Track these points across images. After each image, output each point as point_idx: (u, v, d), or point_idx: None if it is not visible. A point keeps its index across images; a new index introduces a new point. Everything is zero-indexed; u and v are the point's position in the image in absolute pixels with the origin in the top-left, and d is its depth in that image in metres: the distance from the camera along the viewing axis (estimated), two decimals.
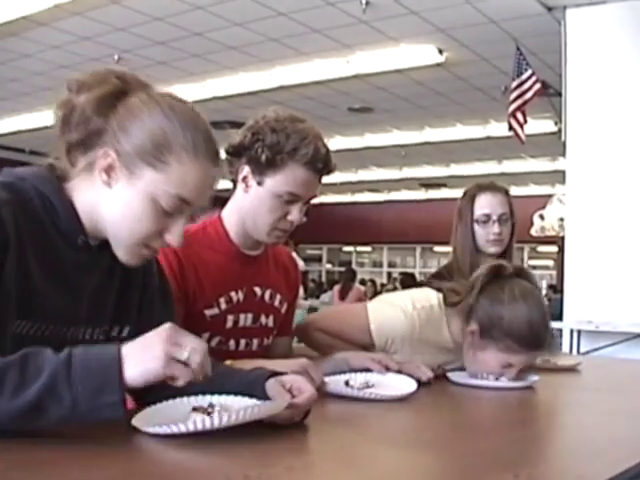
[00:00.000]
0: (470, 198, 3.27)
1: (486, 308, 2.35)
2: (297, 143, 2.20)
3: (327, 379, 2.08)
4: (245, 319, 2.36)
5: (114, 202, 1.52)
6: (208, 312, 2.27)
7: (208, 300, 2.27)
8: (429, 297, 2.51)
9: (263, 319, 2.43)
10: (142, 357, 1.31)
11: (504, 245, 3.24)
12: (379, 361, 2.30)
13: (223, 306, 2.30)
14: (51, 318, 1.50)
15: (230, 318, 2.32)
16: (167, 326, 1.36)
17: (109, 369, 1.28)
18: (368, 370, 2.27)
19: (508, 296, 2.34)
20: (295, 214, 2.28)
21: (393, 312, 2.44)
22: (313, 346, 2.56)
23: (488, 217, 3.21)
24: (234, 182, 2.34)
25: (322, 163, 2.25)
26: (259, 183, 2.26)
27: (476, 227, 3.22)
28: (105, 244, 1.58)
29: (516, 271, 2.43)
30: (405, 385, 2.16)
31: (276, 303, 2.47)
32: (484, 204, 3.24)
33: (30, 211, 1.47)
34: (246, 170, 2.28)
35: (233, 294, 2.33)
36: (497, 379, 2.36)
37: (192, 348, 1.34)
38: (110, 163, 1.49)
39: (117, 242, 1.55)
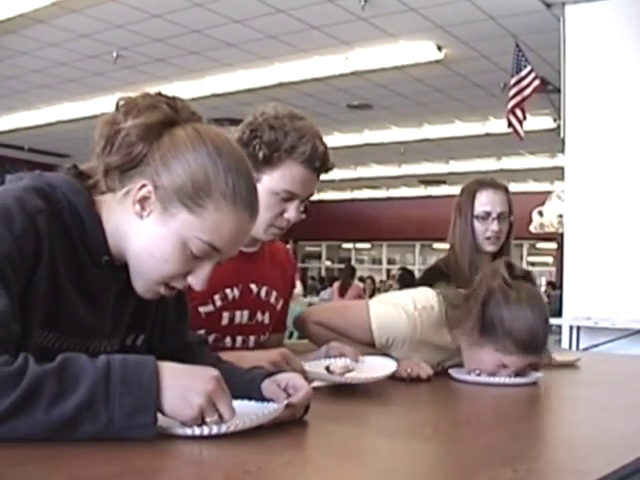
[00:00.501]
0: (471, 194, 3.27)
1: (490, 307, 2.35)
2: (295, 141, 2.20)
3: (308, 366, 2.06)
4: (241, 316, 2.36)
5: (143, 236, 1.48)
6: (202, 309, 2.27)
7: (202, 297, 2.26)
8: (429, 298, 2.49)
9: (259, 316, 2.43)
10: (180, 397, 1.31)
11: (501, 243, 3.25)
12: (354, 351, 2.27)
13: (218, 303, 2.30)
14: (77, 332, 1.50)
15: (226, 315, 2.32)
16: (214, 377, 1.35)
17: (147, 390, 1.27)
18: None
19: (514, 298, 2.33)
20: (292, 212, 2.28)
21: (395, 312, 2.42)
22: (311, 339, 2.56)
23: (488, 214, 3.21)
24: None
25: (320, 161, 2.24)
26: (256, 180, 2.25)
27: (475, 223, 3.22)
28: (126, 264, 1.55)
29: (524, 274, 2.43)
30: (385, 366, 2.17)
31: (272, 300, 2.47)
32: (485, 201, 3.24)
33: (61, 221, 1.45)
34: None
35: (228, 291, 2.33)
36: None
37: (218, 419, 1.35)
38: (145, 195, 1.46)
39: (138, 276, 1.52)
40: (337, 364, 2.14)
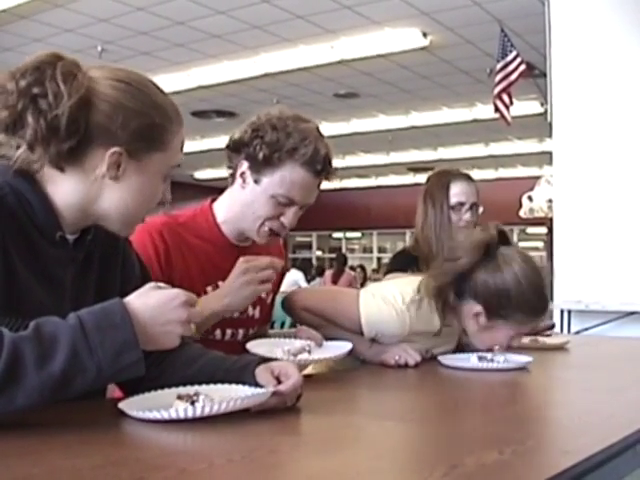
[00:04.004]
0: (444, 185, 3.35)
1: (488, 287, 2.34)
2: (297, 142, 2.18)
3: (260, 348, 2.07)
4: None
5: (123, 193, 1.54)
6: None
7: (195, 289, 2.24)
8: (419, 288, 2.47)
9: (250, 310, 2.41)
10: (161, 333, 1.37)
11: None
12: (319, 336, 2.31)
13: None
14: (38, 314, 1.49)
15: None
16: (182, 302, 1.39)
17: (123, 329, 1.29)
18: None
19: (506, 271, 2.33)
20: (289, 217, 2.26)
21: (386, 310, 2.39)
22: (300, 323, 2.56)
23: (462, 204, 3.31)
24: (232, 175, 2.32)
25: (321, 165, 2.22)
26: (256, 181, 2.24)
27: (450, 213, 3.29)
28: (80, 239, 1.59)
29: (500, 236, 2.42)
30: (339, 348, 2.23)
31: (262, 294, 2.46)
32: (459, 191, 3.32)
33: (5, 207, 1.46)
34: (245, 166, 2.26)
35: (221, 283, 2.31)
36: (492, 359, 2.35)
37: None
38: (116, 160, 1.50)
39: (124, 224, 1.61)
40: (295, 345, 2.17)
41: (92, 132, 1.48)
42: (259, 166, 2.21)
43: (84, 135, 1.48)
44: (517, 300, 2.30)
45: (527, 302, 2.31)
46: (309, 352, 2.15)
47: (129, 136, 1.50)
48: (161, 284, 1.43)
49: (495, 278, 2.34)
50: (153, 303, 1.36)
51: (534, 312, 2.34)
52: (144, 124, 1.51)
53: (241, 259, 2.19)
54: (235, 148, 2.27)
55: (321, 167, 2.22)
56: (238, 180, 2.29)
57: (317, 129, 2.27)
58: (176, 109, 1.60)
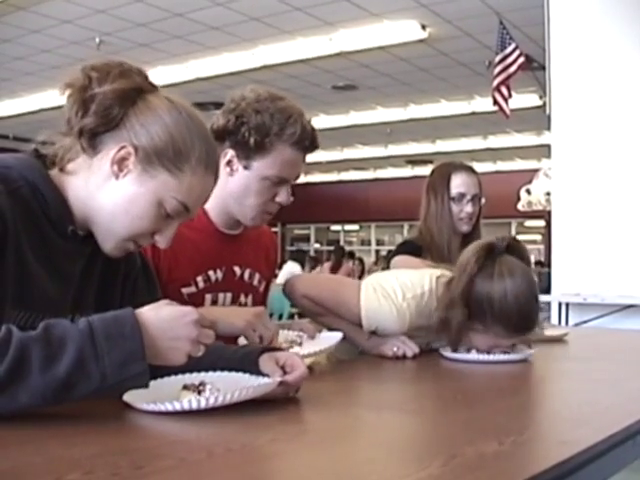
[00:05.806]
0: (445, 176, 3.35)
1: (476, 292, 2.33)
2: (282, 122, 2.19)
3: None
4: (224, 298, 2.35)
5: (118, 194, 1.52)
6: (185, 290, 2.26)
7: (185, 278, 2.26)
8: (422, 283, 2.44)
9: (242, 298, 2.41)
10: (168, 348, 1.35)
11: (473, 223, 3.34)
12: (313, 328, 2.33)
13: (201, 285, 2.29)
14: (46, 307, 1.50)
15: (208, 297, 2.31)
16: (195, 321, 1.37)
17: (132, 340, 1.29)
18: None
19: (497, 281, 2.28)
20: (283, 196, 2.28)
21: (386, 306, 2.38)
22: (300, 309, 2.57)
23: (463, 196, 3.30)
24: None
25: (309, 141, 2.25)
26: (245, 167, 2.24)
27: (450, 204, 3.29)
28: (90, 233, 1.58)
29: (509, 244, 2.38)
30: (329, 339, 2.24)
31: (255, 282, 2.46)
32: (460, 183, 3.32)
33: (19, 199, 1.46)
34: (230, 154, 2.25)
35: (211, 273, 2.32)
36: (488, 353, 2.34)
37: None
38: (124, 156, 1.50)
39: (108, 235, 1.56)
40: (286, 337, 2.19)
41: (122, 123, 1.51)
42: (249, 152, 2.22)
43: (113, 121, 1.50)
44: (498, 313, 2.27)
45: (508, 318, 2.26)
46: (300, 344, 2.17)
47: (149, 143, 1.50)
48: (174, 302, 1.42)
49: (484, 286, 2.31)
50: (164, 317, 1.36)
51: (513, 328, 2.29)
52: (169, 141, 1.51)
53: (263, 308, 2.19)
54: (219, 136, 2.23)
55: (309, 143, 2.26)
56: (225, 169, 2.26)
57: (295, 105, 2.28)
58: (210, 159, 1.58)
